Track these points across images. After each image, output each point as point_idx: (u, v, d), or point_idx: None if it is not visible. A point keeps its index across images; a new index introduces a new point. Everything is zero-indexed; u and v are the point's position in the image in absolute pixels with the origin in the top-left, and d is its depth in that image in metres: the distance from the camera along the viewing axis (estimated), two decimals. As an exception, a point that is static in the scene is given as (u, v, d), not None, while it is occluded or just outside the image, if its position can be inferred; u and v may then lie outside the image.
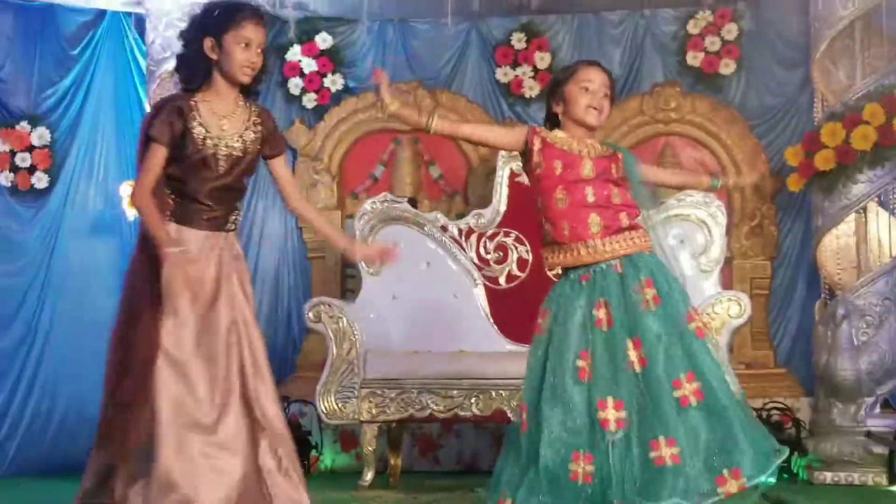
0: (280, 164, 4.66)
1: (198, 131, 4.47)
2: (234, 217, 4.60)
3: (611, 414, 4.14)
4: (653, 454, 4.06)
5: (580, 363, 4.22)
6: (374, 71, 4.68)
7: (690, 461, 4.06)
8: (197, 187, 4.54)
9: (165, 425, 4.33)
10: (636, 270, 4.31)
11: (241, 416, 4.44)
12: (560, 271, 4.51)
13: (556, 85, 4.58)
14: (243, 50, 4.46)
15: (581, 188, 4.38)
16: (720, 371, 4.27)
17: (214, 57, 4.47)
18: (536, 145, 4.43)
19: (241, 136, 4.51)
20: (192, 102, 4.47)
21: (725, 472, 4.05)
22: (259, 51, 4.51)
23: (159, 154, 4.42)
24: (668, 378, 4.16)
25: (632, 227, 4.37)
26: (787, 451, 4.17)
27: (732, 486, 4.02)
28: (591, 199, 4.37)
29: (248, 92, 4.63)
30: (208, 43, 4.47)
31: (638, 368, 4.19)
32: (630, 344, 4.21)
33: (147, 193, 4.41)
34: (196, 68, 4.53)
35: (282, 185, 4.65)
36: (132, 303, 4.56)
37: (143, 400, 4.46)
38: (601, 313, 4.27)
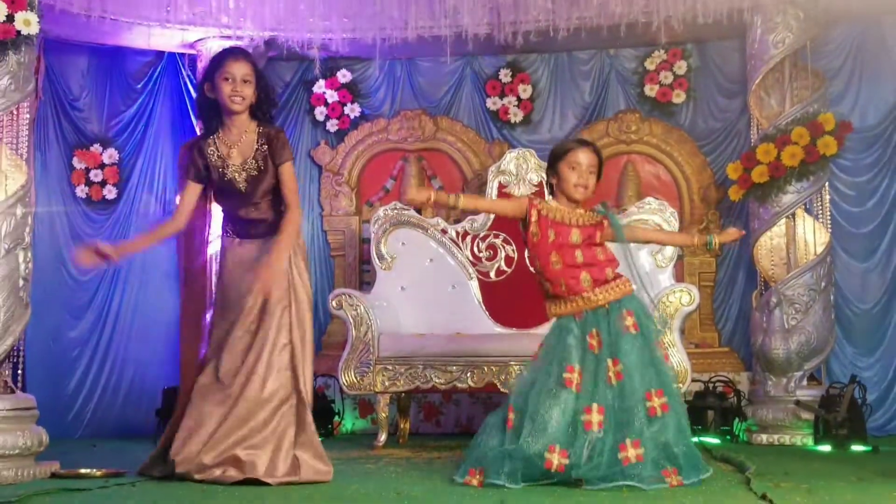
0: (283, 171, 4.63)
1: (215, 163, 4.55)
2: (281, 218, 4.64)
3: (594, 417, 4.24)
4: (621, 455, 4.17)
5: (567, 375, 4.32)
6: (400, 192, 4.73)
7: (650, 461, 4.16)
8: (234, 206, 4.61)
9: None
10: (620, 305, 4.43)
11: (287, 385, 4.48)
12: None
13: (552, 160, 4.66)
14: (228, 83, 4.53)
15: (571, 252, 4.49)
16: (676, 392, 4.44)
17: (212, 96, 4.56)
18: (534, 217, 4.54)
19: (253, 158, 4.56)
20: (210, 140, 4.58)
21: (670, 468, 4.17)
22: (244, 81, 4.54)
23: (190, 190, 4.61)
24: (642, 391, 4.27)
25: (616, 277, 4.50)
26: (710, 471, 4.29)
27: (673, 481, 4.15)
28: (580, 259, 4.49)
29: (265, 119, 4.67)
30: (207, 86, 4.59)
31: (614, 382, 4.29)
32: (610, 363, 4.33)
33: (180, 222, 4.64)
34: (208, 112, 4.65)
35: (281, 187, 4.63)
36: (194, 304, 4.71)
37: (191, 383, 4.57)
38: (593, 341, 4.40)
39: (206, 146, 4.60)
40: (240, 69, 4.56)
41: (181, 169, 4.68)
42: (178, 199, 4.62)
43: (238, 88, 4.55)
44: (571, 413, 4.26)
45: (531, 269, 4.62)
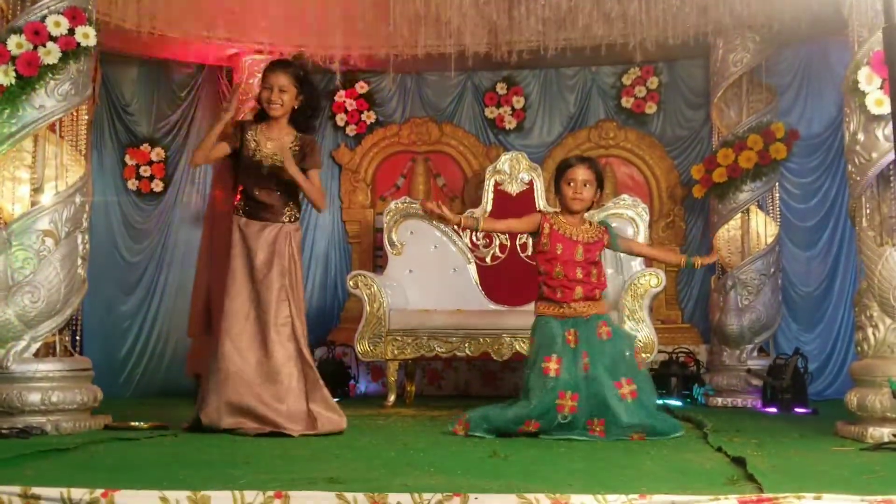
0: (311, 175, 4.67)
1: (249, 144, 4.59)
2: (288, 211, 4.66)
3: (567, 402, 4.31)
4: (588, 427, 4.30)
5: (545, 364, 4.41)
6: (422, 202, 4.75)
7: (611, 435, 4.27)
8: (252, 185, 4.62)
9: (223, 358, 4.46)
10: (598, 318, 4.54)
11: (289, 349, 4.51)
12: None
13: (555, 178, 4.72)
14: (266, 91, 4.57)
15: (574, 267, 4.55)
16: (653, 395, 4.52)
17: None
18: (546, 230, 4.60)
19: (282, 153, 4.57)
20: (254, 127, 4.62)
21: (635, 435, 4.28)
22: (281, 91, 4.58)
23: (222, 147, 4.67)
24: (610, 379, 4.36)
25: (600, 298, 4.61)
26: (683, 430, 4.42)
27: (636, 438, 4.26)
28: (579, 276, 4.53)
29: (304, 128, 4.71)
30: (258, 91, 4.64)
31: (583, 373, 4.38)
32: (582, 355, 4.41)
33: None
34: (260, 110, 4.66)
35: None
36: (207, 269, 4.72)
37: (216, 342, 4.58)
38: (570, 337, 4.48)
39: (249, 128, 4.66)
40: (277, 79, 4.61)
41: (227, 136, 4.69)
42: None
43: (274, 97, 4.59)
44: (551, 397, 4.34)
45: (539, 269, 4.64)
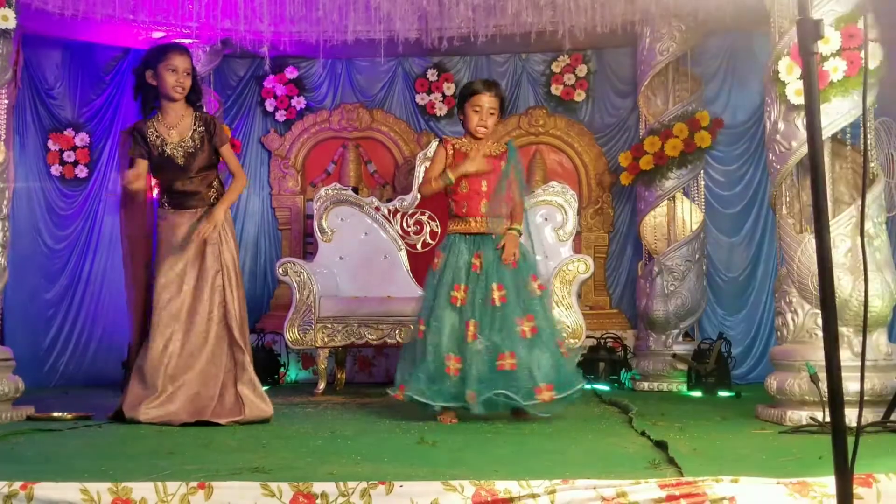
0: (225, 150, 4.68)
1: (154, 142, 4.51)
2: (213, 193, 4.64)
3: (471, 330, 4.38)
4: (499, 363, 4.32)
5: (454, 293, 4.46)
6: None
7: (521, 370, 4.30)
8: (171, 179, 4.57)
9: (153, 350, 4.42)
10: (499, 238, 4.54)
11: (220, 332, 4.47)
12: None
13: (460, 100, 4.72)
14: (172, 74, 4.50)
15: (478, 180, 4.51)
16: (550, 320, 4.55)
17: (154, 83, 4.52)
18: (449, 151, 4.64)
19: (190, 137, 4.53)
20: (149, 123, 4.55)
21: (543, 385, 4.29)
22: (186, 74, 4.53)
23: (141, 164, 4.59)
24: (513, 316, 4.41)
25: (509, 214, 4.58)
26: (584, 384, 4.49)
27: (545, 396, 4.28)
28: (483, 188, 4.52)
29: (196, 107, 4.66)
30: (149, 73, 4.53)
31: (498, 304, 4.43)
32: (495, 286, 4.44)
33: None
34: (146, 96, 4.58)
35: (227, 162, 4.69)
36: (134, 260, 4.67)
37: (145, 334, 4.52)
38: (476, 261, 4.52)
39: (146, 128, 4.59)
40: (183, 63, 4.55)
41: (127, 150, 4.64)
42: (129, 173, 4.54)
43: (181, 80, 4.53)
44: (459, 326, 4.41)
45: (446, 190, 4.64)
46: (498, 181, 4.59)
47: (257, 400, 4.42)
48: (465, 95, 4.67)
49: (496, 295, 4.44)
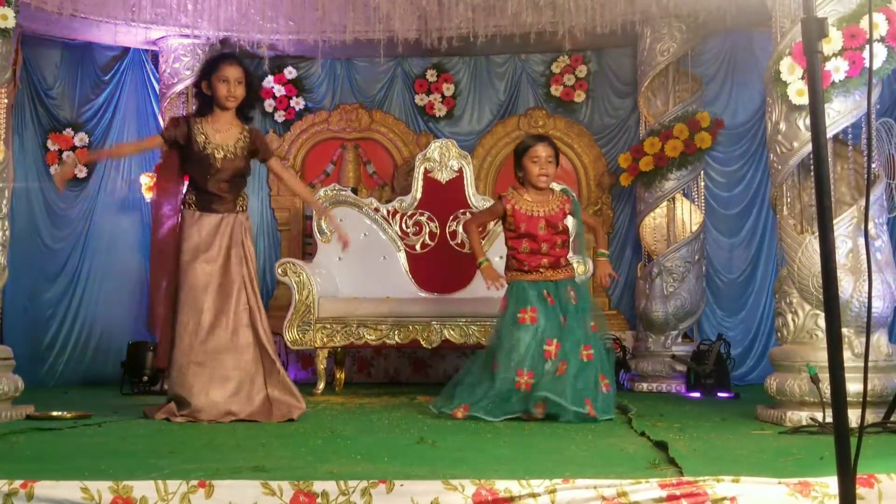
0: (273, 163, 4.88)
1: (198, 137, 4.57)
2: (240, 202, 4.75)
3: (553, 348, 4.54)
4: (560, 367, 4.51)
5: (521, 315, 4.63)
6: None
7: (577, 386, 4.47)
8: (204, 178, 4.62)
9: (179, 351, 4.46)
10: (566, 283, 4.77)
11: (248, 336, 4.54)
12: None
13: (517, 157, 4.92)
14: (224, 85, 4.58)
15: (538, 242, 4.77)
16: (603, 356, 4.70)
17: (209, 93, 4.61)
18: (510, 211, 4.82)
19: (233, 144, 4.61)
20: (198, 120, 4.63)
21: (589, 399, 4.45)
22: (238, 83, 4.61)
23: (156, 140, 4.80)
24: (580, 341, 4.60)
25: (567, 264, 4.84)
26: (612, 416, 4.56)
27: (591, 410, 4.41)
28: (543, 250, 4.77)
29: (244, 118, 4.75)
30: (204, 84, 4.62)
31: (565, 325, 4.63)
32: (562, 315, 4.63)
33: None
34: (202, 102, 4.69)
35: (279, 176, 4.95)
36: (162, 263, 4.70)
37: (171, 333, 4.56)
38: (547, 295, 4.70)
39: (195, 123, 4.66)
40: (234, 73, 4.64)
41: (164, 128, 4.76)
42: (144, 139, 4.69)
43: (232, 90, 4.62)
44: (535, 343, 4.54)
45: (507, 244, 4.89)
46: (561, 238, 4.82)
47: (287, 397, 4.53)
48: (521, 152, 4.88)
49: (562, 321, 4.64)
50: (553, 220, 4.78)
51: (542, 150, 4.79)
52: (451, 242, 6.95)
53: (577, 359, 4.52)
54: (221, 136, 4.66)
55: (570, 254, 5.04)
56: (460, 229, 6.87)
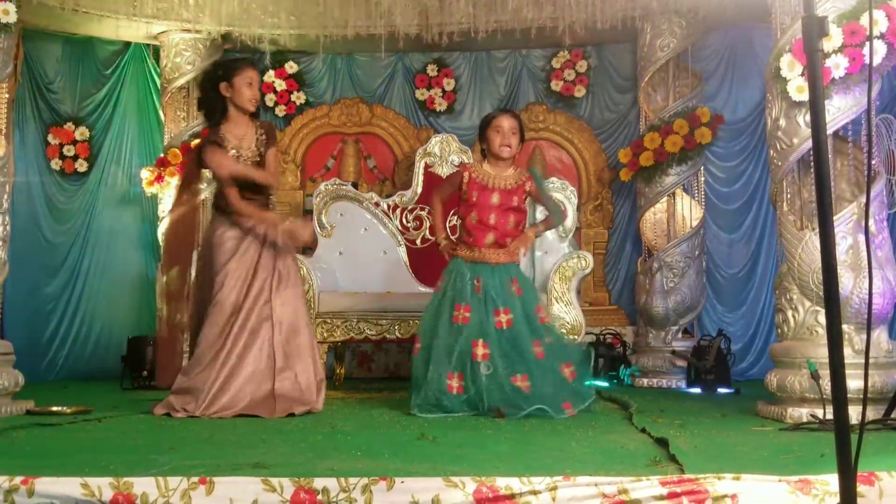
0: (271, 154, 4.77)
1: (232, 152, 4.58)
2: (271, 199, 4.79)
3: (479, 350, 4.47)
4: (516, 384, 4.42)
5: (457, 312, 4.57)
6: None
7: (538, 391, 4.39)
8: (240, 186, 4.61)
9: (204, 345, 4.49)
10: (507, 270, 4.68)
11: (269, 335, 4.55)
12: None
13: (480, 130, 4.87)
14: (250, 88, 4.60)
15: (488, 212, 4.68)
16: (560, 342, 4.73)
17: (229, 95, 4.58)
18: (465, 178, 4.77)
19: (256, 146, 4.64)
20: (221, 134, 4.59)
21: (568, 401, 4.43)
22: (258, 87, 4.71)
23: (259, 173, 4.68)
24: (527, 340, 4.52)
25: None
26: (595, 397, 4.61)
27: (572, 411, 4.40)
28: (492, 221, 4.63)
29: (253, 115, 4.78)
30: (223, 85, 4.58)
31: (506, 327, 4.53)
32: (502, 311, 4.55)
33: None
34: (214, 107, 4.64)
35: (266, 166, 4.75)
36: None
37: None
38: (478, 284, 4.62)
39: (223, 135, 4.69)
40: (257, 76, 4.73)
41: (217, 154, 4.60)
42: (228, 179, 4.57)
43: (256, 93, 4.69)
44: (462, 344, 4.48)
45: (459, 214, 4.86)
46: (514, 215, 4.74)
47: (299, 395, 4.53)
48: (484, 124, 4.84)
49: (503, 318, 4.54)
50: (507, 194, 4.71)
51: (504, 121, 4.75)
52: (452, 237, 6.92)
53: (533, 362, 4.45)
54: (246, 141, 4.68)
55: (544, 228, 5.04)
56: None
